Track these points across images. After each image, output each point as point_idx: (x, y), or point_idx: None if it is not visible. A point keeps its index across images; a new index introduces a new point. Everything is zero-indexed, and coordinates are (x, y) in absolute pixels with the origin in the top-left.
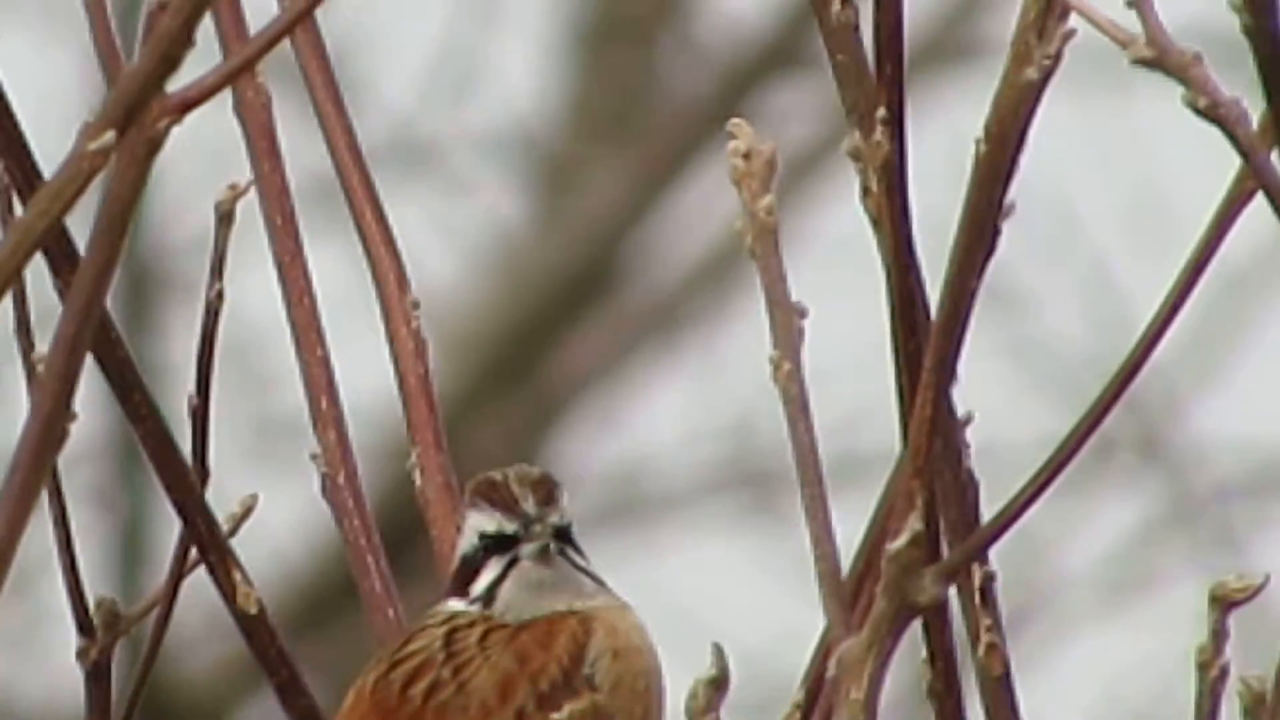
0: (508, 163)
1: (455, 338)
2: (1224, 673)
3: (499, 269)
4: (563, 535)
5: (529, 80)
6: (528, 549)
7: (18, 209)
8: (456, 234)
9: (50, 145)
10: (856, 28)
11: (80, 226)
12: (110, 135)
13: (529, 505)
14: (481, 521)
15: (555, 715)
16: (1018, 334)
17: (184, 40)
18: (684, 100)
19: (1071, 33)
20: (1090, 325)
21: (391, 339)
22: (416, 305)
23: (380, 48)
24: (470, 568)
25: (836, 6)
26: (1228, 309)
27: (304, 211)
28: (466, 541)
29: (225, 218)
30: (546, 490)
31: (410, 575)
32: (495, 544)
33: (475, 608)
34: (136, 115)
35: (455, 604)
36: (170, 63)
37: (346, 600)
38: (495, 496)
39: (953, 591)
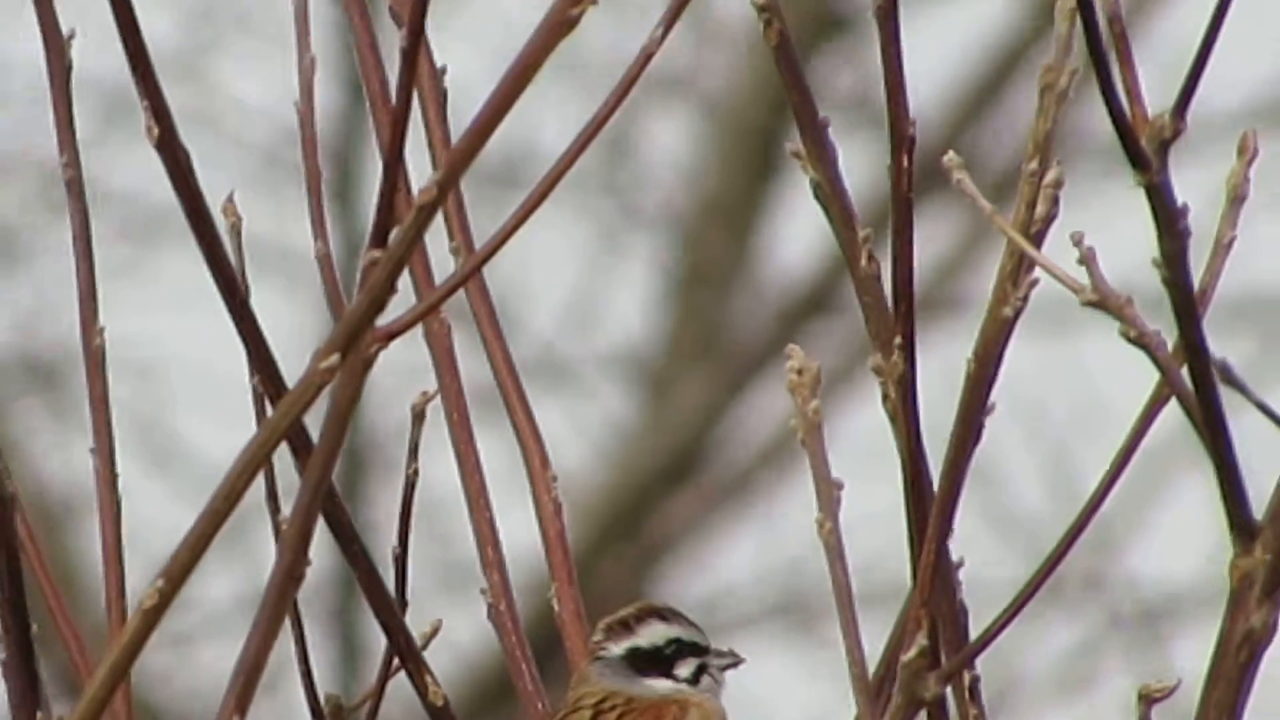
0: (621, 375)
1: (582, 504)
2: None
3: (614, 454)
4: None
5: (636, 314)
6: (719, 661)
7: (268, 410)
8: (583, 427)
9: (291, 365)
10: (878, 277)
11: (314, 422)
12: (336, 357)
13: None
14: (674, 631)
15: None
16: (996, 500)
17: (389, 289)
18: (751, 330)
19: (1036, 281)
20: (1049, 493)
21: (536, 504)
22: (555, 479)
23: (528, 290)
24: (660, 660)
25: (864, 262)
26: (1150, 479)
27: (474, 410)
28: (649, 642)
29: (418, 416)
30: None
31: (551, 678)
32: (686, 649)
33: (683, 685)
34: (354, 343)
35: (658, 682)
36: (379, 305)
37: (507, 696)
38: (686, 619)
39: (949, 690)
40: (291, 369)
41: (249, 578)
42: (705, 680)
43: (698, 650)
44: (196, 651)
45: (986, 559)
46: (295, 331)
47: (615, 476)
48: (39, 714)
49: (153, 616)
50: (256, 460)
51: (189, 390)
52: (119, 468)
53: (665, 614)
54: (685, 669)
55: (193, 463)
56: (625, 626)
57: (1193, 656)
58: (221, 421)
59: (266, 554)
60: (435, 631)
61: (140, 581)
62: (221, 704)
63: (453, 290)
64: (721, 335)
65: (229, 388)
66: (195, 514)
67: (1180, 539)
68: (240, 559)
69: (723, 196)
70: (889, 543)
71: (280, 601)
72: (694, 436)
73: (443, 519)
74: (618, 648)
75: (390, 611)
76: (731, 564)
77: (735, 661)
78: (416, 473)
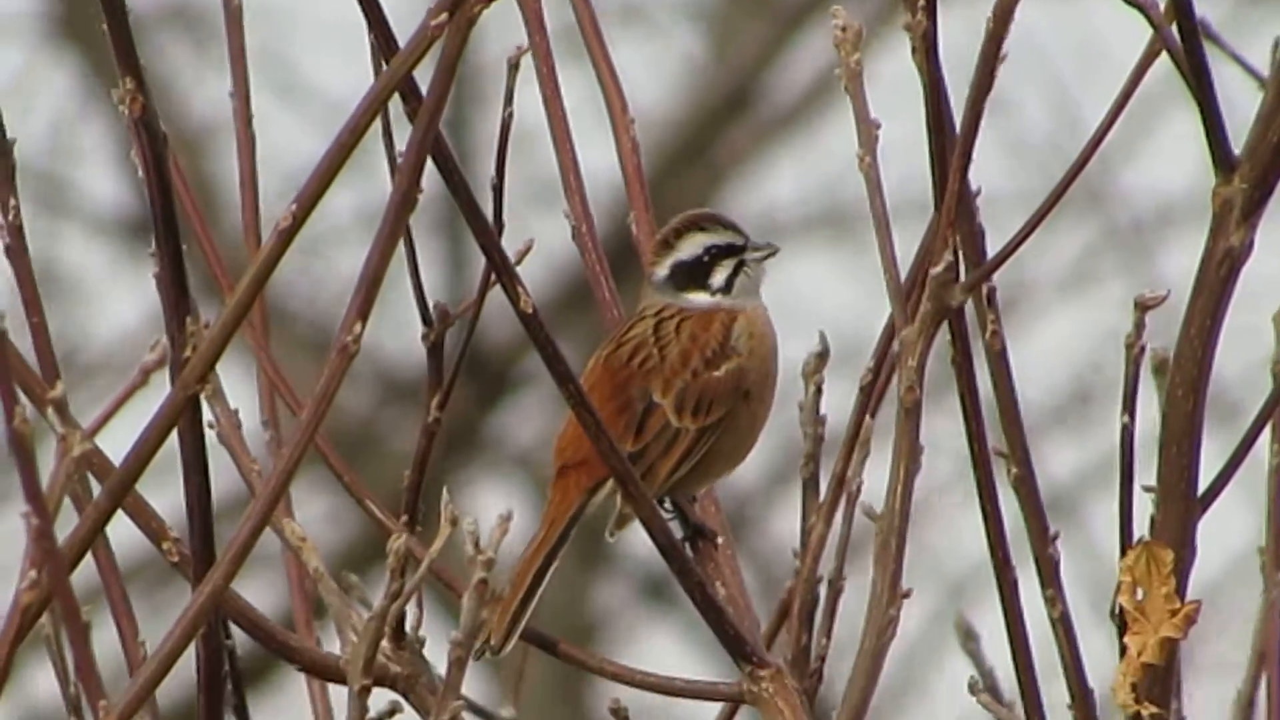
0: (690, 24)
1: (656, 137)
2: (1142, 350)
3: (683, 92)
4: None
5: None
6: (755, 255)
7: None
8: (658, 70)
9: (406, 24)
10: None
11: (422, 73)
12: (445, 15)
13: (745, 230)
14: (710, 239)
15: (716, 372)
16: (1011, 132)
17: None
18: None
19: None
20: (1058, 126)
21: (617, 143)
22: (633, 121)
23: None
24: (698, 269)
25: None
26: (1143, 115)
27: (562, 57)
28: (689, 253)
29: (513, 67)
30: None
31: (628, 287)
32: (723, 252)
33: (718, 296)
34: (461, 2)
35: (696, 297)
36: None
37: (587, 303)
38: (723, 223)
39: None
40: (406, 27)
41: (368, 200)
42: (740, 280)
43: (734, 250)
44: (323, 263)
45: (1000, 179)
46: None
47: (683, 113)
48: (189, 319)
49: (287, 237)
50: (379, 100)
51: (314, 32)
52: (254, 108)
53: (703, 223)
54: (720, 274)
55: (318, 96)
56: (667, 245)
57: (1181, 268)
58: (343, 59)
59: (384, 181)
60: (527, 250)
61: (275, 202)
62: (345, 310)
63: None
64: None
65: (351, 30)
66: (322, 143)
67: (1166, 160)
68: (361, 184)
69: None
70: (917, 170)
71: (397, 221)
72: (750, 76)
73: (536, 148)
74: (663, 268)
75: (488, 233)
76: (783, 184)
77: (771, 251)
78: (511, 115)
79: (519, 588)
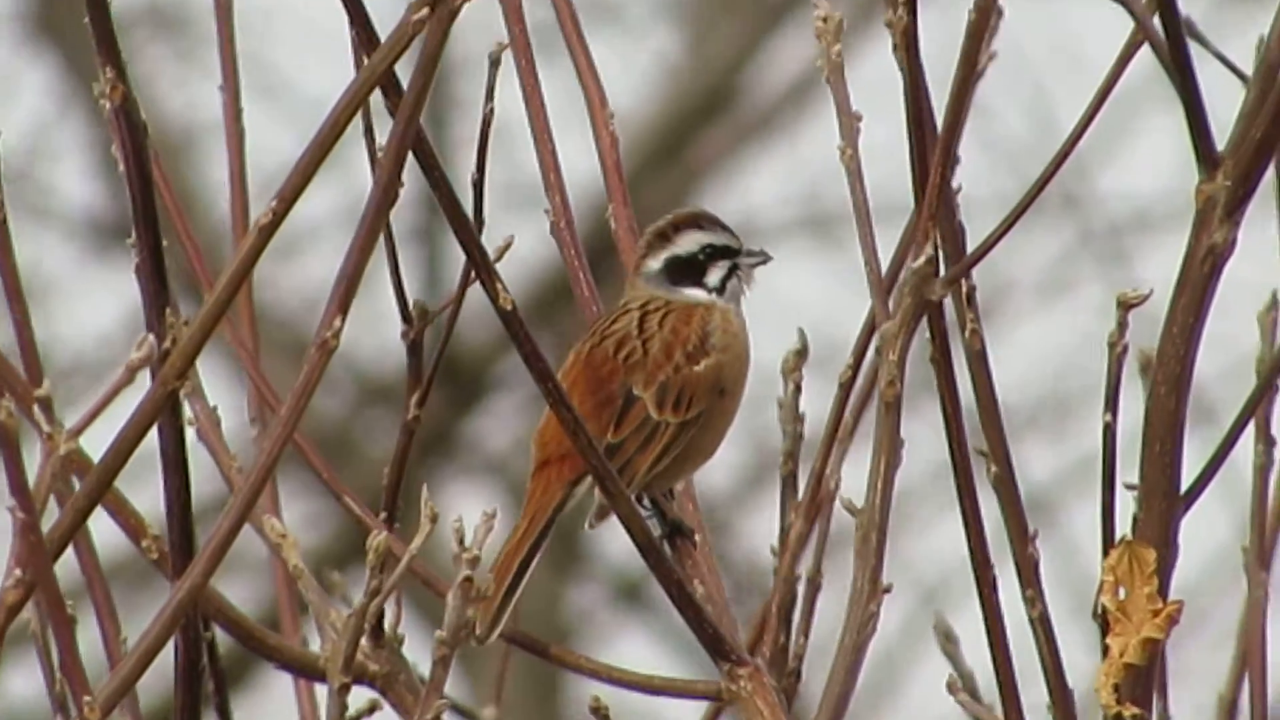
0: (668, 22)
1: (633, 135)
2: (1125, 349)
3: (660, 90)
4: None
5: None
6: (749, 260)
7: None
8: (634, 69)
9: (388, 20)
10: None
11: (402, 71)
12: (425, 10)
13: (738, 235)
14: (708, 238)
15: (696, 367)
16: (988, 134)
17: None
18: None
19: None
20: (1034, 128)
21: (596, 138)
22: (611, 116)
23: None
24: (693, 266)
25: None
26: (1120, 118)
27: (539, 55)
28: (685, 249)
29: (495, 62)
30: None
31: (605, 285)
32: (718, 253)
33: (712, 295)
34: None
35: (694, 291)
36: None
37: (565, 300)
38: (720, 224)
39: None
40: (387, 24)
41: (347, 197)
42: (732, 283)
43: (729, 253)
44: (301, 261)
45: (979, 184)
46: None
47: (661, 111)
48: (168, 310)
49: (267, 232)
50: (359, 97)
51: (294, 33)
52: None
53: (701, 222)
54: (716, 274)
55: (298, 98)
56: (664, 238)
57: (1157, 272)
58: (322, 59)
59: (363, 178)
60: (507, 247)
61: (255, 200)
62: (326, 304)
63: None
64: None
65: (331, 33)
66: (300, 142)
67: (1147, 170)
68: (339, 181)
69: None
70: (897, 167)
71: (378, 217)
72: (728, 74)
73: (512, 149)
74: (657, 261)
75: (468, 230)
76: (762, 184)
77: (764, 259)
78: (492, 111)
79: (503, 577)
